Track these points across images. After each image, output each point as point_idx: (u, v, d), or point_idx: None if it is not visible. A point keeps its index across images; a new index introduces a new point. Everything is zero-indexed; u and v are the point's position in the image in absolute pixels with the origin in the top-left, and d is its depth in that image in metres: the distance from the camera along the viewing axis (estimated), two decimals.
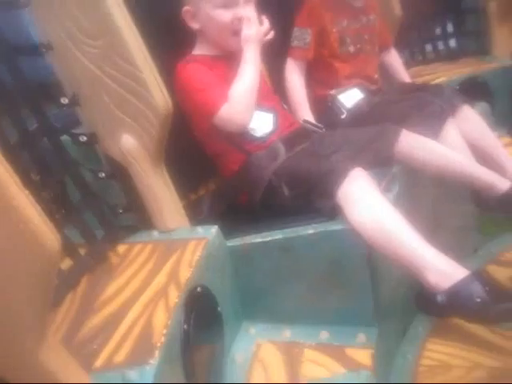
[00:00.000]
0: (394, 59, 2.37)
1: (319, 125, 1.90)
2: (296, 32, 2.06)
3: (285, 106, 1.92)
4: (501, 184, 1.68)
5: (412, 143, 1.67)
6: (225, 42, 1.73)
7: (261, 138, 1.72)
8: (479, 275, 1.38)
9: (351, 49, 2.10)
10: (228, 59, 1.75)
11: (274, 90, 1.95)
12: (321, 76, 2.11)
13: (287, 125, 1.80)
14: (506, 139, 2.49)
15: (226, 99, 1.62)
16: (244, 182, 1.68)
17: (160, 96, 1.43)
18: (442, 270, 1.36)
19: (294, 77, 2.05)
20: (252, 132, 1.71)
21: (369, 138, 1.68)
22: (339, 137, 1.75)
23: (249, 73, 1.65)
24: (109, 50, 1.43)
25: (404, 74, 2.36)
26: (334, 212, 1.47)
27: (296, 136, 1.77)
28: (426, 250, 1.38)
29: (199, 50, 1.77)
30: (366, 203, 1.43)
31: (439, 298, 1.36)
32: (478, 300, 1.32)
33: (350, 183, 1.45)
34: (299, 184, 1.56)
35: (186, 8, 1.71)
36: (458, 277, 1.35)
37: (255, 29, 1.68)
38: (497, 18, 2.68)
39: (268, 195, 1.62)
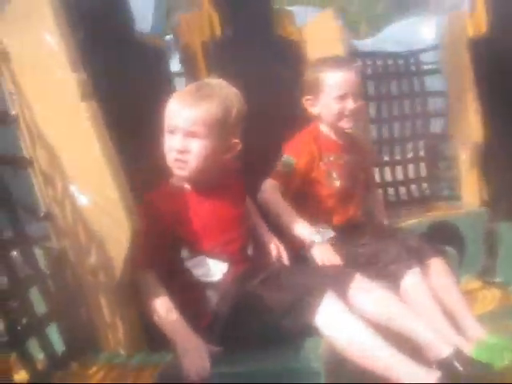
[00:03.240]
0: (377, 201, 2.42)
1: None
2: (283, 158, 2.10)
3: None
4: (440, 349, 1.63)
5: (363, 289, 1.68)
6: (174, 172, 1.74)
7: (210, 283, 1.71)
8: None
9: (337, 183, 2.14)
10: (205, 193, 1.75)
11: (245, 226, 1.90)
12: (303, 206, 2.10)
13: (240, 268, 1.76)
14: (475, 284, 2.54)
15: (148, 264, 1.63)
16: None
17: (129, 219, 1.47)
18: (420, 377, 1.48)
19: (277, 195, 2.04)
20: (202, 278, 1.71)
21: (324, 276, 1.69)
22: (300, 271, 1.78)
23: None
24: (85, 171, 1.48)
25: (381, 216, 2.38)
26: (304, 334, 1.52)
27: (251, 273, 1.74)
28: (402, 363, 1.49)
29: (178, 180, 1.77)
30: (344, 325, 1.52)
31: None
32: None
33: (327, 306, 1.53)
34: (266, 314, 1.57)
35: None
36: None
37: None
38: (467, 165, 2.80)
39: (228, 325, 1.62)
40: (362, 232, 2.12)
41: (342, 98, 2.09)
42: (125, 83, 1.85)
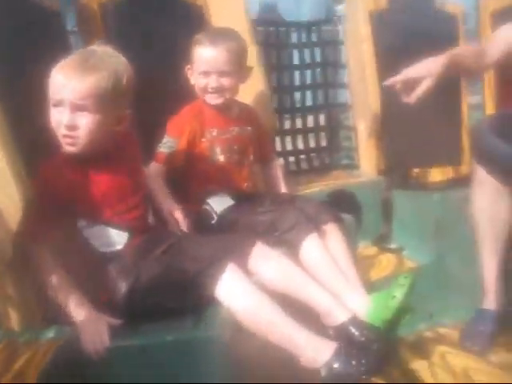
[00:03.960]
0: (274, 172, 2.41)
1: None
2: (164, 139, 2.10)
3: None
4: (336, 316, 1.70)
5: (263, 257, 1.70)
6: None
7: (110, 254, 1.67)
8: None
9: (221, 158, 2.15)
10: (100, 162, 1.68)
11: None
12: (191, 184, 2.13)
13: (142, 236, 1.73)
14: (371, 249, 2.64)
15: (41, 238, 1.57)
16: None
17: (20, 191, 1.41)
18: (316, 347, 1.55)
19: (157, 179, 2.04)
20: (101, 248, 1.67)
21: (224, 247, 1.68)
22: (201, 241, 1.77)
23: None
24: None
25: (280, 186, 2.39)
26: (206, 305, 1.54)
27: (153, 242, 1.72)
28: (299, 333, 1.55)
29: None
30: (243, 295, 1.55)
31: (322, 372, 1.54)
32: (354, 362, 1.53)
33: (228, 277, 1.55)
34: (167, 286, 1.57)
35: None
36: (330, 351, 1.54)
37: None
38: (365, 135, 2.87)
39: (130, 298, 1.59)
40: (260, 200, 2.14)
41: (205, 74, 2.09)
42: (18, 45, 1.74)
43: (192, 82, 2.15)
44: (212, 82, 2.09)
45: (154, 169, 2.08)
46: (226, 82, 2.10)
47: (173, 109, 2.15)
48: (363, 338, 1.65)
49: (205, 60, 2.09)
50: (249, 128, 2.24)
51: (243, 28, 2.38)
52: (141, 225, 1.75)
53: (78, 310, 1.52)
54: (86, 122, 1.57)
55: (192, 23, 2.42)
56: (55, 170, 1.62)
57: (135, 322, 1.53)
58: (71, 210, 1.62)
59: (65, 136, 1.58)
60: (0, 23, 1.73)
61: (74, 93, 1.55)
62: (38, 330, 1.48)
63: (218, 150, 2.14)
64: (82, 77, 1.55)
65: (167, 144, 2.10)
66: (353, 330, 1.67)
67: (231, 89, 2.13)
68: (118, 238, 1.68)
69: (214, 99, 2.12)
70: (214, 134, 2.14)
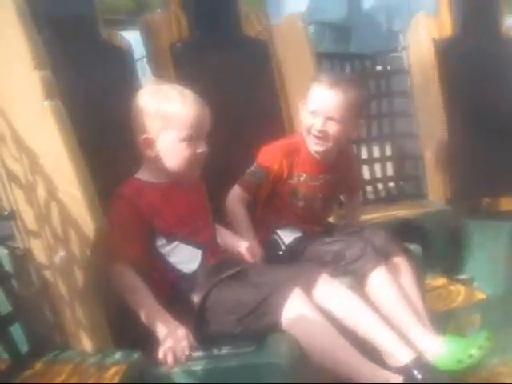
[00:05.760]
0: (355, 202, 2.43)
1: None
2: (254, 168, 2.09)
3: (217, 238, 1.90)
4: (399, 356, 1.64)
5: (328, 288, 1.70)
6: (178, 172, 1.76)
7: (186, 273, 1.73)
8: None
9: (301, 203, 2.12)
10: (174, 188, 1.78)
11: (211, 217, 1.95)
12: (263, 214, 2.13)
13: (214, 258, 1.80)
14: (440, 280, 2.59)
15: (128, 258, 1.63)
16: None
17: (94, 218, 1.46)
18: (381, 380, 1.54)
19: (239, 205, 2.06)
20: (178, 266, 1.73)
21: (290, 275, 1.70)
22: (267, 269, 1.81)
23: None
24: (50, 169, 1.47)
25: (353, 216, 2.40)
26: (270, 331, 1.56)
27: (222, 267, 1.77)
28: (364, 365, 1.55)
29: (146, 176, 1.78)
30: (309, 324, 1.56)
31: None
32: None
33: (293, 304, 1.56)
34: (234, 310, 1.60)
35: (145, 136, 1.73)
36: None
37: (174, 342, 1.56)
38: (432, 164, 2.85)
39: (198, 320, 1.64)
40: (328, 231, 2.14)
41: (314, 113, 2.02)
42: (89, 82, 1.84)
43: (301, 117, 2.10)
44: (318, 123, 2.00)
45: (237, 193, 2.07)
46: (332, 127, 2.00)
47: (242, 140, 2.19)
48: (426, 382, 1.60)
49: (317, 99, 2.02)
50: (340, 172, 2.18)
51: (307, 61, 2.43)
52: (212, 244, 1.82)
53: (162, 325, 1.57)
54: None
55: (258, 58, 2.48)
56: (137, 191, 1.72)
57: (200, 345, 1.56)
58: (150, 229, 1.70)
59: (193, 163, 1.75)
60: (75, 59, 1.84)
61: None
62: (107, 353, 1.53)
63: (300, 195, 2.11)
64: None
65: (257, 174, 2.07)
66: (415, 373, 1.61)
67: (335, 138, 2.02)
68: (193, 256, 1.74)
69: (315, 145, 2.05)
70: (302, 178, 2.10)
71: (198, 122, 1.72)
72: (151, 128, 1.72)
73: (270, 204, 2.13)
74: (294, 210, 2.11)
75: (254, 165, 2.10)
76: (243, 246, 1.88)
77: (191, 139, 1.72)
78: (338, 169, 2.17)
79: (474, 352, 1.65)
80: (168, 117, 1.70)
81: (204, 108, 1.75)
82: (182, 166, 1.74)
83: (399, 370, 1.62)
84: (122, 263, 1.62)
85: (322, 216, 2.22)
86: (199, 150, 1.73)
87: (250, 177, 2.08)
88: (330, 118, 2.00)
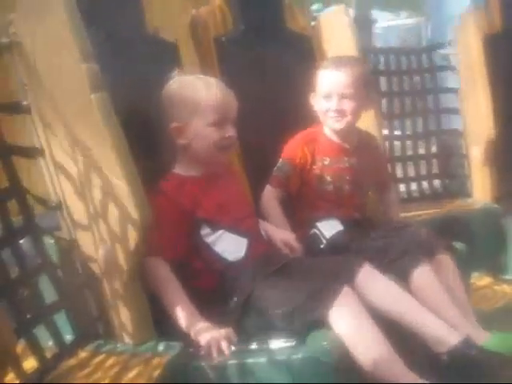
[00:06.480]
0: (390, 200, 2.40)
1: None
2: (279, 163, 2.13)
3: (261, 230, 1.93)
4: (449, 339, 1.64)
5: (371, 279, 1.69)
6: (210, 158, 1.79)
7: (232, 262, 1.74)
8: None
9: (330, 187, 2.14)
10: (212, 179, 1.81)
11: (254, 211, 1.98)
12: (298, 209, 2.15)
13: (260, 249, 1.82)
14: (485, 280, 2.54)
15: (167, 251, 1.66)
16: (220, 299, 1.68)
17: (139, 210, 1.48)
18: None
19: (273, 202, 2.09)
20: (224, 255, 1.74)
21: (333, 269, 1.70)
22: (311, 264, 1.80)
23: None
24: (97, 162, 1.49)
25: (393, 212, 2.38)
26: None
27: (268, 259, 1.79)
28: (403, 376, 1.51)
29: (183, 170, 1.81)
30: (356, 321, 1.55)
31: None
32: None
33: (341, 302, 1.55)
34: (279, 304, 1.59)
35: (174, 124, 1.76)
36: None
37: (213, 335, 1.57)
38: (478, 162, 2.79)
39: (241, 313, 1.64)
40: (371, 227, 2.12)
41: (327, 97, 2.08)
42: (135, 76, 1.87)
43: (315, 107, 2.15)
44: (333, 104, 2.07)
45: (269, 191, 2.11)
46: (347, 105, 2.06)
47: (285, 135, 2.18)
48: (481, 357, 1.60)
49: (327, 82, 2.09)
50: (365, 159, 2.20)
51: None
52: (257, 234, 1.85)
53: (192, 324, 1.58)
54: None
55: (302, 53, 2.48)
56: (178, 184, 1.76)
57: (240, 339, 1.56)
58: (194, 221, 1.73)
59: (222, 148, 1.77)
60: (122, 53, 1.88)
61: None
62: (151, 345, 1.54)
63: (328, 179, 2.13)
64: None
65: (283, 168, 2.12)
66: (467, 351, 1.61)
67: (352, 113, 2.08)
68: (238, 245, 1.76)
69: (334, 123, 2.10)
70: (326, 162, 2.13)
71: (223, 106, 1.75)
72: (179, 116, 1.75)
73: (302, 197, 2.15)
74: (325, 196, 2.13)
75: (280, 160, 2.14)
76: (281, 238, 1.90)
77: (219, 124, 1.75)
78: (363, 156, 2.18)
79: None
80: (194, 103, 1.74)
81: (229, 93, 1.78)
82: (212, 150, 1.76)
83: (450, 353, 1.62)
84: (156, 257, 1.64)
85: (355, 201, 2.21)
86: (227, 134, 1.76)
87: (278, 172, 2.13)
88: (343, 96, 2.06)
